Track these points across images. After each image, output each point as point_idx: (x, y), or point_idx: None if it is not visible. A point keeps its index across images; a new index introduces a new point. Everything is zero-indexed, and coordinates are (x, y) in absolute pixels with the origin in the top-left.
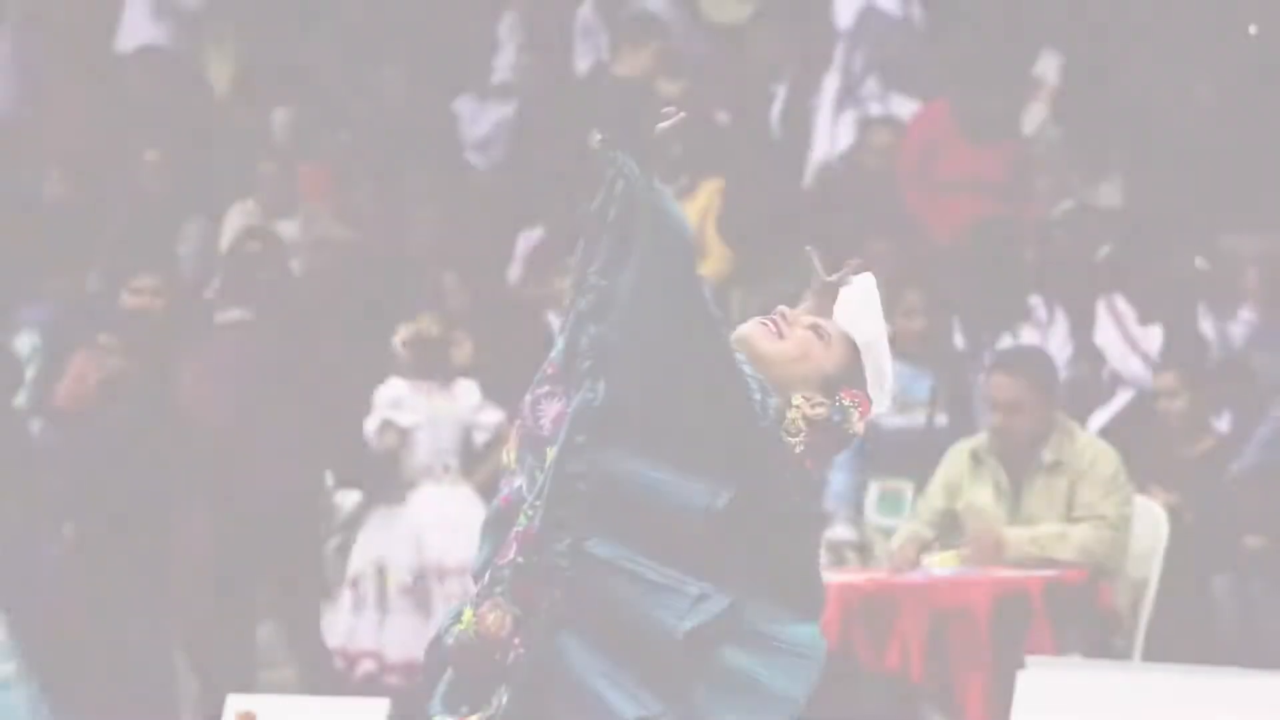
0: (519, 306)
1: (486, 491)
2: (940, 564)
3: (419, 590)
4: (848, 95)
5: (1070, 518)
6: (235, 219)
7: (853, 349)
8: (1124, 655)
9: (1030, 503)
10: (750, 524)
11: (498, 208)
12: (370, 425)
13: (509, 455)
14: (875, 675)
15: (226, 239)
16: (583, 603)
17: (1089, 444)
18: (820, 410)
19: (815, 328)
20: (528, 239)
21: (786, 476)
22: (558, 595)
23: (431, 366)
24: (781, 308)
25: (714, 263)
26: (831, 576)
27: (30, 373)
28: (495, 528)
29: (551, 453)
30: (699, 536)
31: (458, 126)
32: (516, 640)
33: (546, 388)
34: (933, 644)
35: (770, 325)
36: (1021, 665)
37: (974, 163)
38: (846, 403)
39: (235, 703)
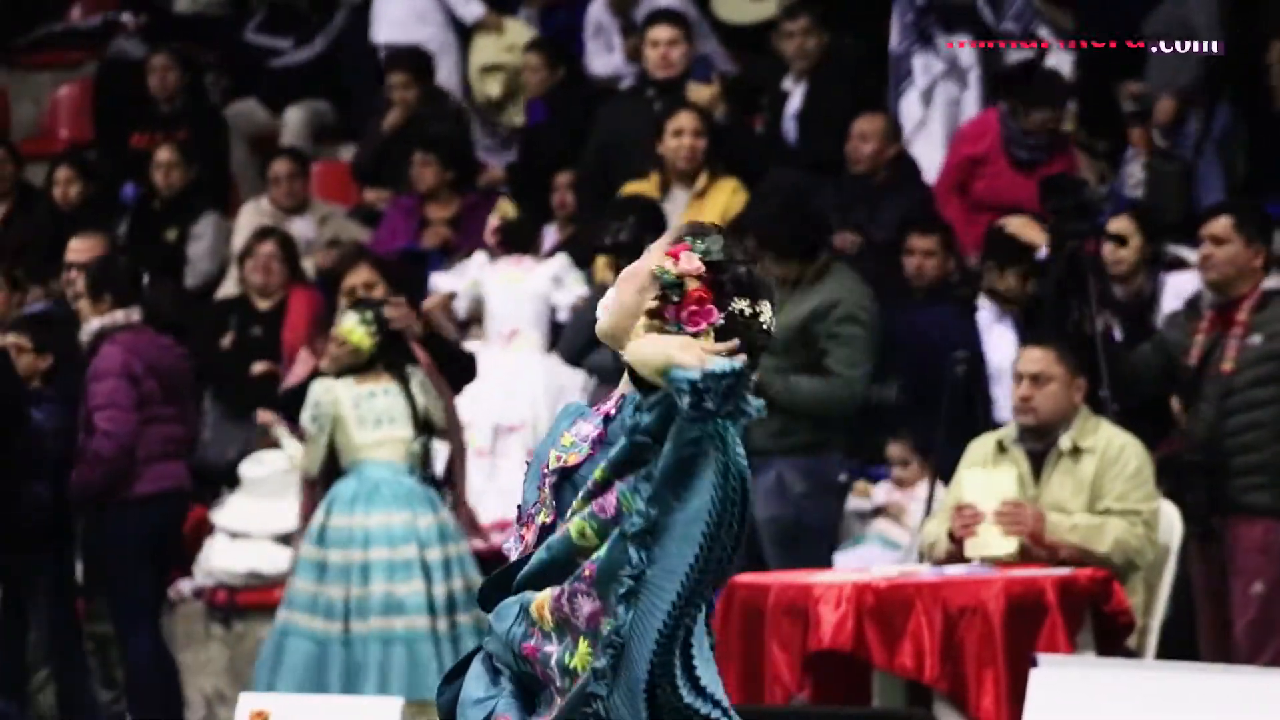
0: None
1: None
2: (995, 549)
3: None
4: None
5: (1098, 508)
6: (248, 217)
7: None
8: (1137, 654)
9: (1052, 490)
10: None
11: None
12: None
13: (546, 621)
14: (889, 674)
15: (240, 237)
16: None
17: (1115, 434)
18: (648, 296)
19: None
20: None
21: None
22: None
23: (514, 245)
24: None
25: None
26: (846, 575)
27: None
28: (509, 677)
29: (584, 645)
30: None
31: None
32: None
33: (584, 586)
34: (946, 642)
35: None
36: (1034, 664)
37: (1013, 189)
38: (658, 267)
39: (248, 701)
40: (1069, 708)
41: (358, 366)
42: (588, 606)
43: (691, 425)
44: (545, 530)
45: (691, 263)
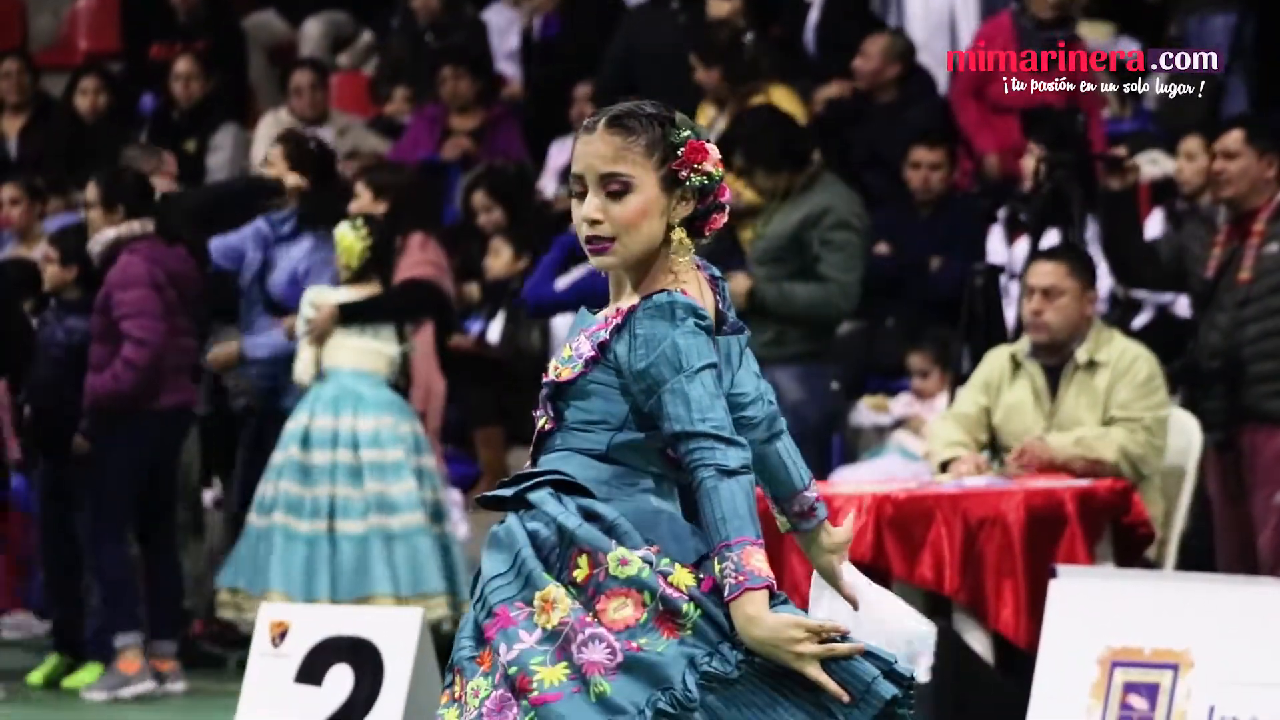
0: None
1: None
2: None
3: None
4: None
5: (1105, 417)
6: (267, 128)
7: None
8: (1156, 566)
9: (1068, 404)
10: None
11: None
12: None
13: None
14: (908, 585)
15: (259, 148)
16: None
17: (1128, 347)
18: (683, 206)
19: (609, 192)
20: (560, 150)
21: None
22: None
23: None
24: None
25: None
26: (865, 486)
27: None
28: None
29: None
30: None
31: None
32: None
33: None
34: (966, 554)
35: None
36: (1054, 575)
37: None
38: (688, 175)
39: (269, 611)
40: (1088, 619)
41: (352, 275)
42: None
43: None
44: (543, 436)
45: (715, 154)
